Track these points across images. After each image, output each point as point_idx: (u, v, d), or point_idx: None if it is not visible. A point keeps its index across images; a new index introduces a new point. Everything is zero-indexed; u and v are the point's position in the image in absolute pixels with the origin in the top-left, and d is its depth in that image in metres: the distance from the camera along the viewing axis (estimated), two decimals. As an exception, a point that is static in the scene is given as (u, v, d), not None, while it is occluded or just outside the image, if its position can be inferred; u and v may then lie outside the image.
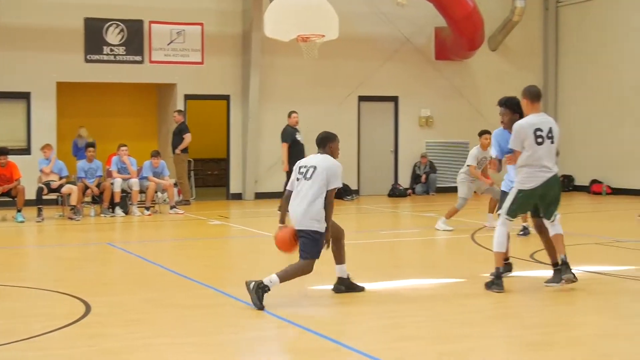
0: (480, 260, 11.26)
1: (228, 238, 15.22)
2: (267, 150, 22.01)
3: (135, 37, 20.95)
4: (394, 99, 23.68)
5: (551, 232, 9.06)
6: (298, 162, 8.86)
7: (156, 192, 18.33)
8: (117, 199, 17.77)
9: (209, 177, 26.50)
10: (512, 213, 8.98)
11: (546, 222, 9.07)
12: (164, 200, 18.86)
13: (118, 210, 17.71)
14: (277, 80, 22.21)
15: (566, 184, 24.21)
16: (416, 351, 6.71)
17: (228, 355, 6.76)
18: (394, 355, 6.55)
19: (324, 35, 17.79)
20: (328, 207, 8.52)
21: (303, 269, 8.52)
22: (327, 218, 8.52)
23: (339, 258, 8.97)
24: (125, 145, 18.40)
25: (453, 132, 24.18)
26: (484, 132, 14.72)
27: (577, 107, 24.44)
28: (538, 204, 9.00)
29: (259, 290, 8.13)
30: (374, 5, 22.78)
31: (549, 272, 9.41)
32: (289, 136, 18.35)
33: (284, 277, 8.39)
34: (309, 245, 8.48)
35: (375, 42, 23.16)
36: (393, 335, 7.26)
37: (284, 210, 8.78)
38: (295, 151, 17.75)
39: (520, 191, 8.90)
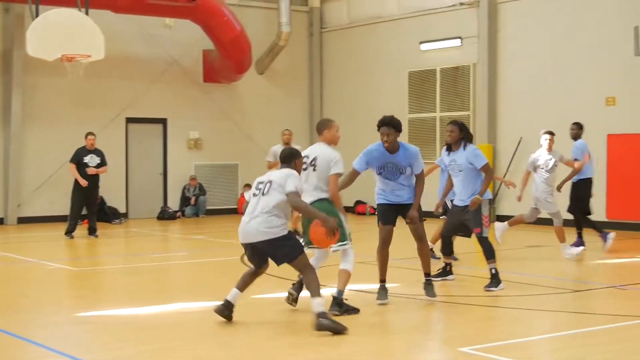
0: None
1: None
2: (31, 173, 21.27)
3: None
4: (163, 121, 23.54)
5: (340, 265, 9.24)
6: (257, 178, 8.64)
7: None
8: None
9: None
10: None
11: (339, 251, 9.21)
12: None
13: None
14: (42, 101, 21.52)
15: (332, 204, 24.91)
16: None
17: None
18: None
19: (89, 55, 17.45)
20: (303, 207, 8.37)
21: (308, 270, 8.29)
22: (310, 212, 8.41)
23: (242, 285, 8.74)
24: None
25: (222, 154, 24.34)
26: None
27: (341, 130, 25.17)
28: None
29: (326, 320, 7.93)
30: (142, 26, 22.58)
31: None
32: (76, 157, 17.79)
33: (312, 290, 8.13)
34: (286, 250, 8.28)
35: (143, 63, 22.96)
36: (160, 360, 7.21)
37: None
38: (83, 173, 17.42)
39: None
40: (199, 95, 23.82)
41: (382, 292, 9.70)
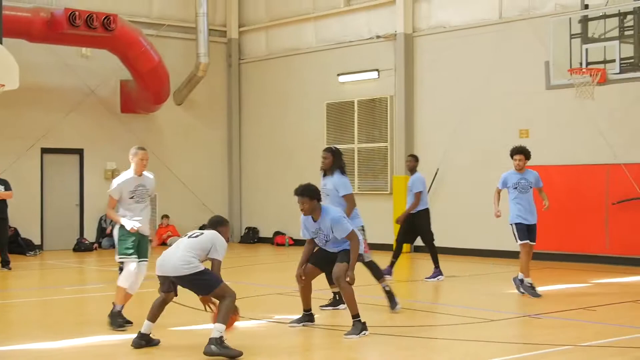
0: (167, 313, 11.24)
1: None
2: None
3: None
4: (79, 152, 23.23)
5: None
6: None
7: None
8: None
9: None
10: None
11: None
12: None
13: None
14: (-47, 131, 21.08)
15: (251, 236, 24.91)
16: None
17: None
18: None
19: (3, 85, 17.14)
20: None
21: (229, 300, 8.46)
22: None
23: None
24: None
25: (139, 185, 24.08)
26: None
27: (260, 161, 25.28)
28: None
29: (222, 347, 8.16)
30: (58, 55, 22.31)
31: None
32: None
33: (221, 316, 8.36)
34: (205, 282, 8.54)
35: (59, 93, 22.66)
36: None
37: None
38: None
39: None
40: (116, 126, 23.58)
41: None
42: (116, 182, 10.37)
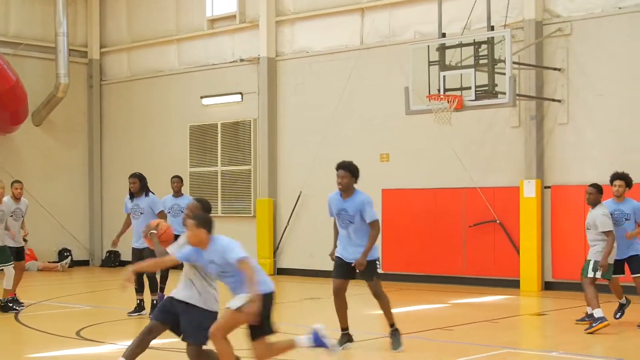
0: (25, 340, 10.97)
1: None
2: None
3: None
4: None
5: None
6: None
7: None
8: None
9: None
10: None
11: None
12: None
13: None
14: None
15: (112, 259, 24.50)
16: None
17: None
18: None
19: None
20: None
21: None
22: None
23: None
24: None
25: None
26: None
27: (122, 184, 24.64)
28: None
29: None
30: None
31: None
32: None
33: None
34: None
35: None
36: None
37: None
38: None
39: None
40: (-30, 147, 22.85)
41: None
42: None
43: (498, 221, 17.89)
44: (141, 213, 13.35)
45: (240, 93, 22.21)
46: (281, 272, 20.89)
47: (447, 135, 17.95)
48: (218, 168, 22.42)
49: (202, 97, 22.95)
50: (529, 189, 17.37)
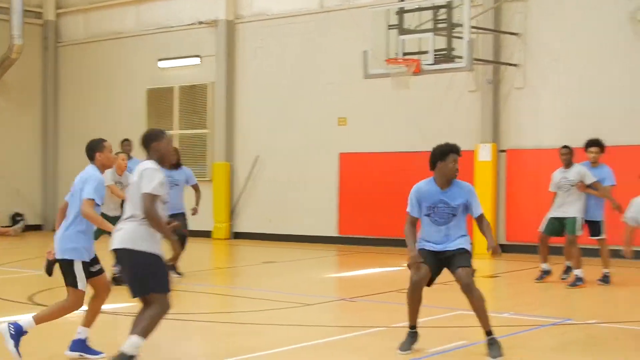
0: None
1: None
2: None
3: None
4: None
5: None
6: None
7: None
8: None
9: None
10: None
11: None
12: None
13: None
14: None
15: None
16: None
17: None
18: None
19: None
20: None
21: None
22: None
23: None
24: None
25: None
26: None
27: (78, 147, 24.37)
28: None
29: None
30: None
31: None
32: None
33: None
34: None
35: None
36: None
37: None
38: None
39: None
40: None
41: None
42: None
43: (454, 185, 17.96)
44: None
45: (199, 56, 22.02)
46: (238, 236, 20.86)
47: (404, 99, 17.96)
48: (175, 132, 22.23)
49: (159, 60, 22.71)
50: (485, 153, 17.46)
